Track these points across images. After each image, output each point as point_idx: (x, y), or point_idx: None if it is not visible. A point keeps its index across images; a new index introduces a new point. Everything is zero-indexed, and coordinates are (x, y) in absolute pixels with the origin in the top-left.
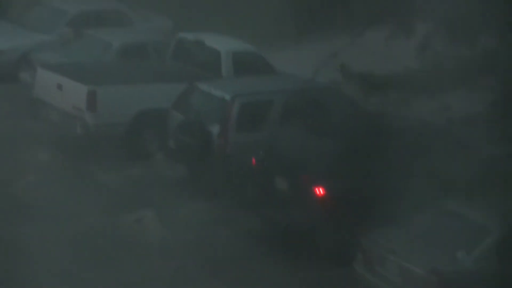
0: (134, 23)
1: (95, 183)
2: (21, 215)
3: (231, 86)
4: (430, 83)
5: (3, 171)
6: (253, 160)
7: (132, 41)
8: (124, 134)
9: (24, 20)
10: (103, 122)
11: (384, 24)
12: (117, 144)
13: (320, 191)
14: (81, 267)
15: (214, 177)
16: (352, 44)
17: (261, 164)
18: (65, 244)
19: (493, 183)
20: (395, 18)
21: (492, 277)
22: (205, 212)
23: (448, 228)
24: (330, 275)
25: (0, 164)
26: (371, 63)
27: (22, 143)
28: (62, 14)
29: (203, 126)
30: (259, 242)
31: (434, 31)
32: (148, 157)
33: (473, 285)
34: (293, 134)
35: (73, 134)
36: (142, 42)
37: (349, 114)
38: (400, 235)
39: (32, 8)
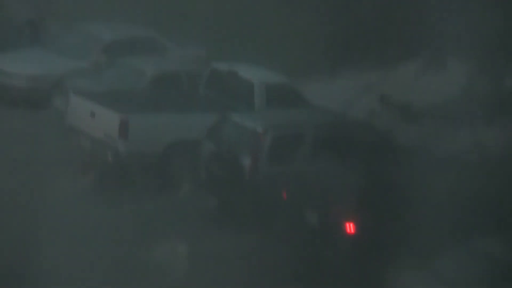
0: (168, 51)
1: (126, 211)
2: (51, 238)
3: (263, 118)
4: (465, 116)
5: (37, 197)
6: (284, 193)
7: (166, 70)
8: (155, 163)
9: (58, 46)
10: (135, 151)
11: (417, 57)
12: (149, 173)
13: (350, 227)
14: None
15: (245, 208)
16: (385, 78)
17: (291, 197)
18: (92, 270)
19: None
20: (428, 51)
21: None
22: (235, 244)
23: (476, 269)
24: None
25: (33, 191)
26: (404, 96)
27: (55, 170)
28: (96, 41)
29: (234, 157)
30: (289, 276)
31: (467, 64)
32: (179, 187)
33: None
34: (324, 168)
35: (104, 161)
36: (175, 71)
37: (380, 148)
38: (429, 276)
39: (67, 35)
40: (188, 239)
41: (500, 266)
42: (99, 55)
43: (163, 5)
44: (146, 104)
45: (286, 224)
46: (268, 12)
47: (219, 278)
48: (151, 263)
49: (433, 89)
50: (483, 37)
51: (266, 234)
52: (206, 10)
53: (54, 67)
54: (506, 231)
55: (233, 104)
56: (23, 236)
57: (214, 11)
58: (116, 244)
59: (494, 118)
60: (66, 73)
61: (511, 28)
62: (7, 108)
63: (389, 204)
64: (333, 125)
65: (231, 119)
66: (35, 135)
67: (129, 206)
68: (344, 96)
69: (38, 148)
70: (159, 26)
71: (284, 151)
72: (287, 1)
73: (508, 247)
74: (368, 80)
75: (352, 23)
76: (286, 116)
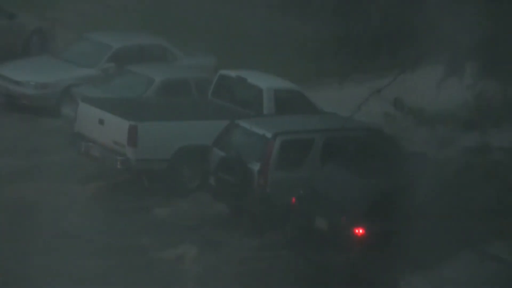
0: (177, 59)
1: (136, 218)
2: (60, 246)
3: (272, 124)
4: (477, 120)
5: (47, 205)
6: (293, 199)
7: (174, 77)
8: (164, 170)
9: (67, 55)
10: (144, 158)
11: (429, 63)
12: (158, 180)
13: (359, 232)
14: None
15: (254, 215)
16: (395, 82)
17: (301, 203)
18: (106, 277)
19: None
20: (441, 57)
21: None
22: (244, 250)
23: (484, 271)
24: None
25: (43, 199)
26: (415, 101)
27: (63, 178)
28: (105, 49)
29: (243, 163)
30: (299, 282)
31: (480, 69)
32: (189, 194)
33: None
34: (333, 174)
35: (113, 169)
36: (184, 78)
37: (389, 154)
38: (437, 279)
39: (75, 43)
40: (197, 244)
41: (507, 270)
42: (107, 63)
43: (173, 14)
44: (155, 111)
45: (295, 230)
46: (277, 19)
47: (228, 282)
48: (162, 268)
49: (445, 93)
50: (493, 41)
51: (275, 239)
52: (217, 19)
53: (63, 75)
54: None
55: (242, 110)
56: (30, 244)
57: (224, 20)
58: (126, 250)
59: (504, 122)
60: (75, 81)
61: None
62: (16, 116)
63: (398, 209)
64: (342, 131)
65: (240, 125)
66: (44, 142)
67: (139, 213)
68: (353, 103)
69: (47, 156)
70: (170, 36)
71: (293, 157)
72: (296, 7)
73: None
74: (379, 85)
75: (363, 28)
76: (295, 121)
